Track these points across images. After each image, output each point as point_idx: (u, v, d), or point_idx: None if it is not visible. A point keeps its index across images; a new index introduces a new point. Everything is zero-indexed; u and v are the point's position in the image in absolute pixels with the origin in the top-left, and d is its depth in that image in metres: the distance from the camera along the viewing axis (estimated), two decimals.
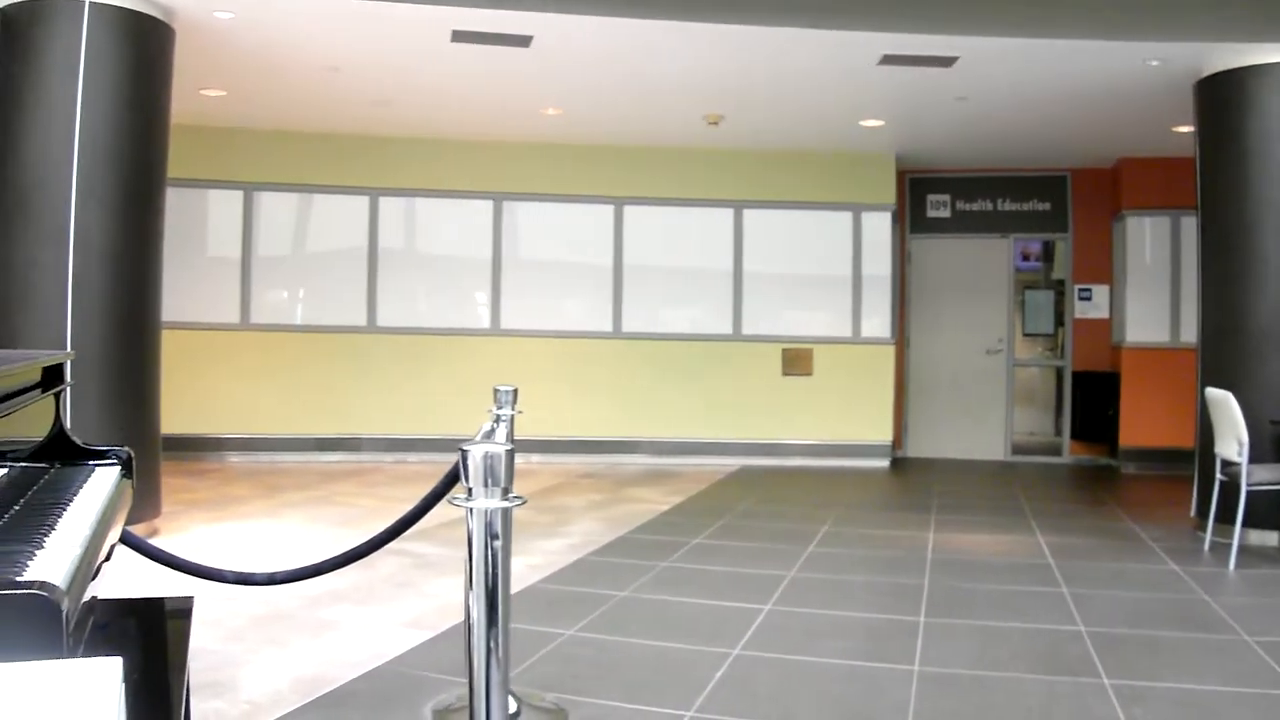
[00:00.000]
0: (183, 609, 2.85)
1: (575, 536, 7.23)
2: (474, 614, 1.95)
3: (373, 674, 4.29)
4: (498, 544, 1.95)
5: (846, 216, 11.58)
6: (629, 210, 11.47)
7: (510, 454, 1.93)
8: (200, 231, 10.97)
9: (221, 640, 4.61)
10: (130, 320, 6.94)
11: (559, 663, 4.47)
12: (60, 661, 1.04)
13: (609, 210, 11.46)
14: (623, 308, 11.45)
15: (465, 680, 4.11)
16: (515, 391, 3.98)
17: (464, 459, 1.93)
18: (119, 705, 0.92)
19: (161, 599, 2.97)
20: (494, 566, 1.95)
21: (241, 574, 3.93)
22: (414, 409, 10.99)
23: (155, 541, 3.82)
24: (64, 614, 1.57)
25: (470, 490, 1.93)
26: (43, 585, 1.60)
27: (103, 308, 6.77)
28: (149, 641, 2.63)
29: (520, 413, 3.97)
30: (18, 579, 1.78)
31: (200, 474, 9.67)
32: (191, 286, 10.50)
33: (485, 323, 11.32)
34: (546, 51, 8.04)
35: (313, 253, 11.30)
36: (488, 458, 1.92)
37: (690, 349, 11.47)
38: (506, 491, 1.95)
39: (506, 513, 1.95)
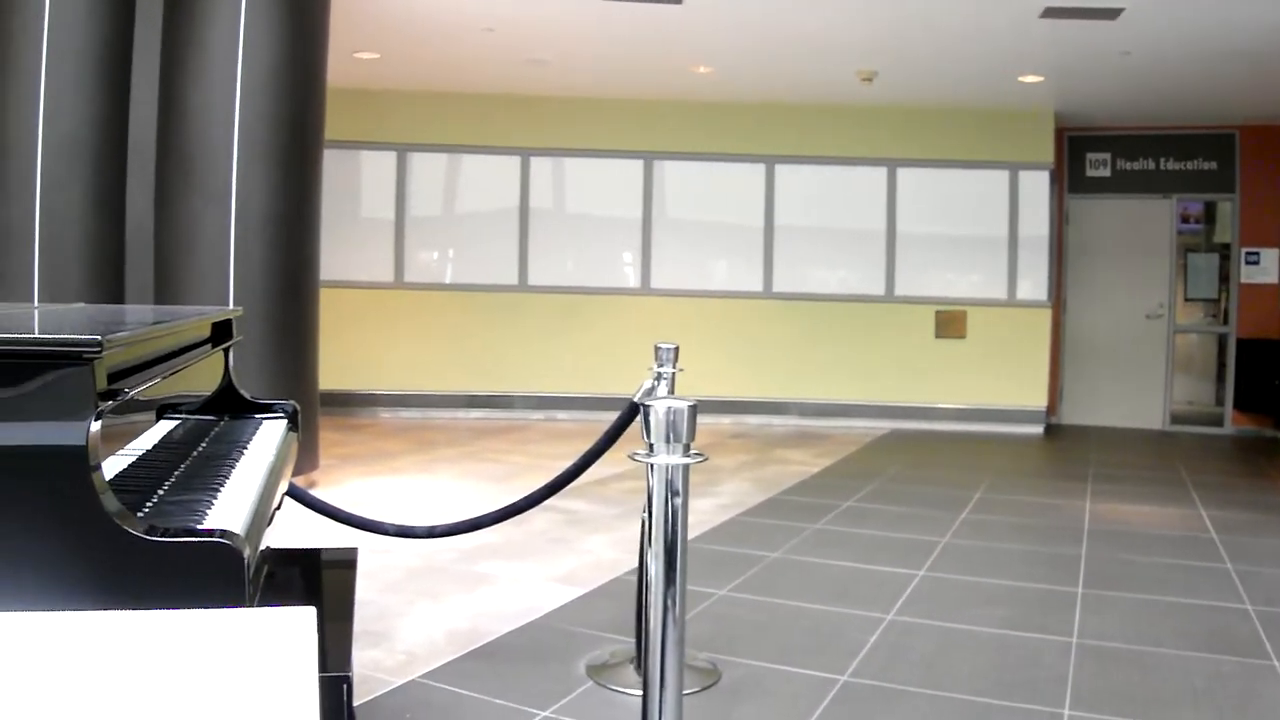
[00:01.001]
0: (347, 560, 2.89)
1: (725, 496, 7.21)
2: (652, 571, 1.92)
3: (526, 628, 4.33)
4: (678, 500, 1.92)
5: (1003, 175, 11.28)
6: (780, 169, 11.34)
7: (693, 409, 1.90)
8: (354, 192, 11.17)
9: (378, 591, 4.70)
10: (290, 279, 7.09)
11: (711, 622, 4.45)
12: (256, 609, 1.04)
13: (760, 169, 11.34)
14: (773, 268, 11.34)
15: (618, 637, 4.16)
16: (676, 349, 3.95)
17: (646, 414, 1.91)
18: (314, 653, 0.91)
19: (327, 550, 3.02)
20: (674, 523, 1.92)
21: (402, 527, 3.99)
22: (564, 367, 11.08)
23: (313, 494, 3.88)
24: (246, 562, 1.59)
25: (651, 446, 1.90)
26: (224, 533, 1.62)
27: (264, 267, 6.93)
28: (317, 591, 2.68)
29: (681, 370, 3.94)
30: (198, 526, 1.81)
31: (354, 429, 9.88)
32: (347, 246, 10.71)
33: (635, 282, 11.33)
34: (699, 9, 7.96)
35: (464, 213, 11.43)
36: (670, 413, 1.89)
37: (841, 310, 11.33)
38: (688, 448, 1.92)
39: (687, 469, 1.92)
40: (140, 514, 1.76)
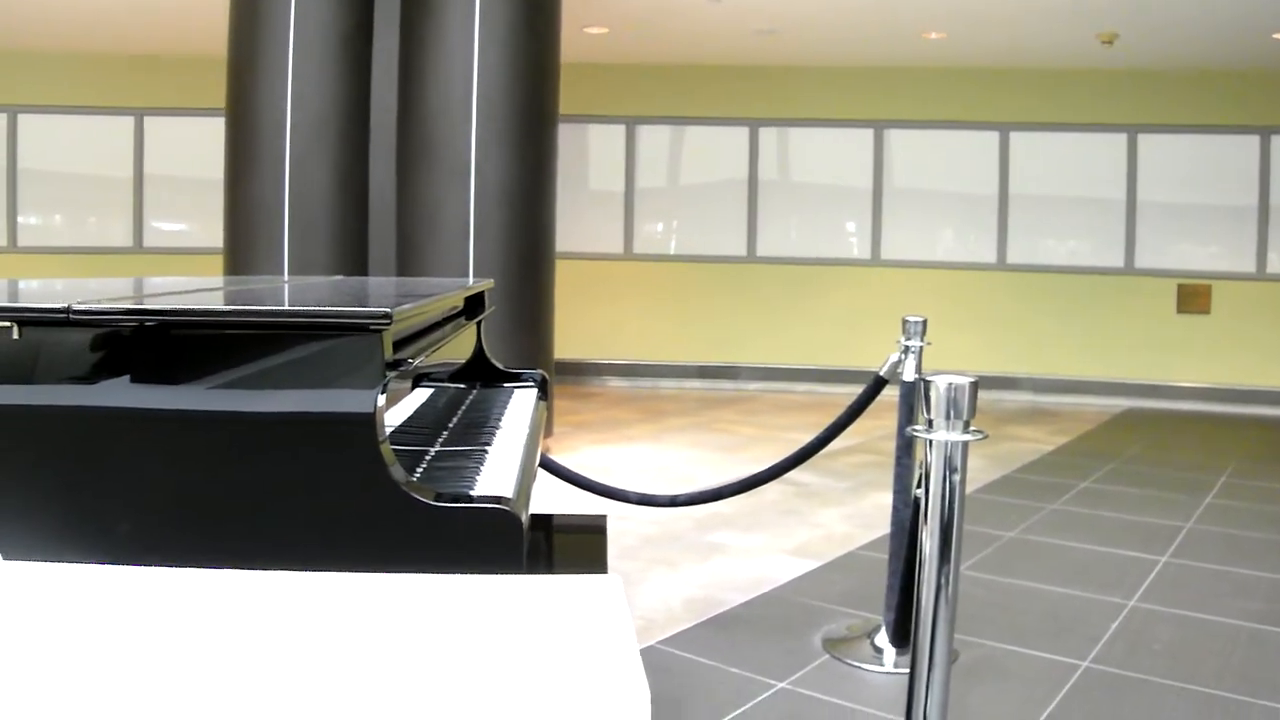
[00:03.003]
0: (598, 526, 2.95)
1: None
2: (926, 548, 1.90)
3: (761, 599, 4.34)
4: (955, 478, 1.90)
5: (1253, 140, 10.68)
6: (1014, 136, 11.01)
7: (974, 386, 1.87)
8: (583, 165, 11.34)
9: (616, 558, 4.77)
10: (527, 252, 7.26)
11: None
12: (565, 576, 1.07)
13: (993, 137, 11.03)
14: (1007, 238, 11.04)
15: (855, 611, 4.14)
16: (924, 323, 3.88)
17: (926, 390, 1.89)
18: (629, 621, 0.93)
19: (576, 516, 3.08)
20: (951, 501, 1.90)
21: (644, 495, 4.05)
22: (793, 339, 11.04)
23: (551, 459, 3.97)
24: (524, 527, 1.64)
25: (930, 422, 1.88)
26: (503, 499, 1.67)
27: (502, 240, 7.11)
28: (572, 557, 2.74)
29: (929, 344, 3.87)
30: (472, 493, 1.88)
31: (586, 397, 10.06)
32: (577, 218, 10.88)
33: (865, 253, 11.19)
34: None
35: (692, 184, 11.48)
36: (951, 389, 1.86)
37: (1077, 282, 10.95)
38: (968, 425, 1.90)
39: (965, 447, 1.90)
40: (413, 479, 1.83)
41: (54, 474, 1.75)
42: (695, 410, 9.54)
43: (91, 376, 1.76)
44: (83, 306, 1.76)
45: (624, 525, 5.28)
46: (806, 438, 4.11)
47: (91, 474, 1.73)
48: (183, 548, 1.71)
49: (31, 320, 1.77)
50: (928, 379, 1.90)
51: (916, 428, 1.93)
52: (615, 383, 11.10)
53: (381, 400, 1.65)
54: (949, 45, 10.03)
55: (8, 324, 1.77)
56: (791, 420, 8.94)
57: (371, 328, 1.67)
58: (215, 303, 2.04)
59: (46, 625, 1.05)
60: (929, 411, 1.90)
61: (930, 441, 1.92)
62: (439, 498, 1.65)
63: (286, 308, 1.83)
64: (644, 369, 11.16)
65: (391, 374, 1.71)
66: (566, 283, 9.33)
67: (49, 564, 1.31)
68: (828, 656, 3.72)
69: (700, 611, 4.12)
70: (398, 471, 1.64)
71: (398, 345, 1.97)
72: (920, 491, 2.00)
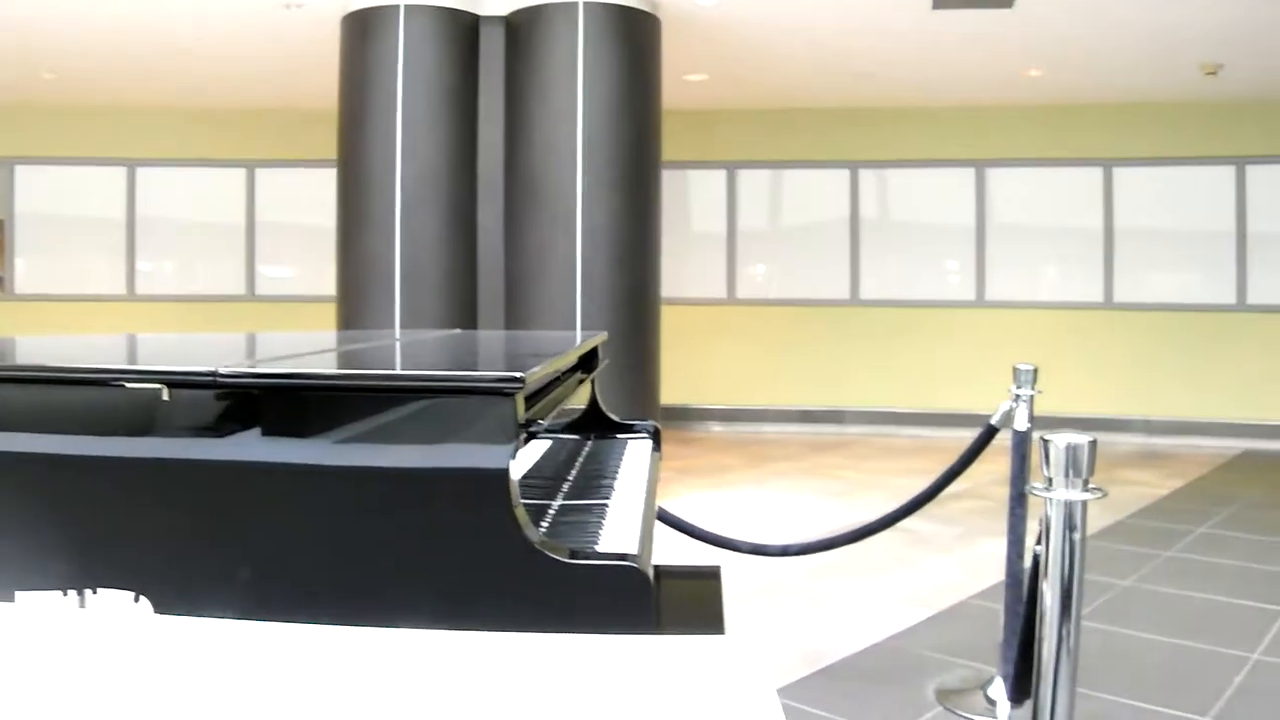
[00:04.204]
0: (712, 576, 2.96)
1: None
2: (1047, 602, 1.90)
3: (873, 649, 4.31)
4: (1075, 536, 1.90)
5: None
6: (1118, 172, 10.87)
7: (1093, 445, 1.88)
8: (684, 210, 11.40)
9: (726, 607, 4.76)
10: (633, 298, 7.33)
11: None
12: (703, 637, 1.09)
13: (1096, 173, 10.90)
14: (1113, 276, 10.87)
15: (968, 662, 4.09)
16: (1035, 371, 3.85)
17: (1045, 449, 1.89)
18: (772, 687, 0.95)
19: (691, 567, 3.10)
20: (1071, 558, 1.90)
21: (756, 545, 4.05)
22: (897, 382, 10.97)
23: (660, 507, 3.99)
24: (652, 583, 1.67)
25: (1050, 480, 1.89)
26: (630, 556, 1.70)
27: (608, 286, 7.19)
28: (685, 608, 2.75)
29: (1039, 393, 3.84)
30: (598, 548, 1.91)
31: (689, 442, 10.08)
32: (680, 264, 10.94)
33: (969, 294, 11.09)
34: (1030, 11, 7.74)
35: (793, 227, 11.48)
36: (1070, 448, 1.87)
37: (1187, 320, 10.74)
38: (1087, 483, 1.90)
39: (1085, 505, 1.89)
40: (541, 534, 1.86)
41: (198, 529, 1.82)
42: (800, 455, 9.51)
43: (232, 434, 1.83)
44: (228, 370, 1.83)
45: (732, 573, 5.27)
46: (913, 483, 4.10)
47: (231, 529, 1.80)
48: (314, 603, 1.77)
49: (180, 383, 1.84)
50: (1047, 438, 1.90)
51: (1036, 486, 1.94)
52: (717, 427, 11.10)
53: (515, 460, 1.69)
54: (1048, 81, 9.96)
55: (158, 385, 1.85)
56: (898, 465, 8.87)
57: (505, 391, 1.71)
58: (349, 365, 2.10)
59: (199, 681, 1.10)
60: (1048, 469, 1.90)
61: (1050, 500, 1.92)
62: (573, 555, 1.68)
63: (423, 373, 1.89)
64: (746, 413, 11.15)
65: (523, 434, 1.75)
66: (669, 328, 9.38)
67: (199, 619, 1.36)
68: (941, 708, 3.68)
69: (812, 661, 4.11)
70: (531, 531, 1.68)
71: (526, 402, 2.02)
72: (1040, 548, 2.00)
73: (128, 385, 1.90)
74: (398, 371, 1.84)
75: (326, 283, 10.35)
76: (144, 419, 1.90)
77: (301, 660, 1.15)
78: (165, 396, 1.85)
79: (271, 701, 1.02)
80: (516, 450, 1.70)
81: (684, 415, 10.96)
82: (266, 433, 1.81)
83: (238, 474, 1.80)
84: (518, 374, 1.71)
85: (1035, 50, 8.99)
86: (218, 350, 2.79)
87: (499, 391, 1.71)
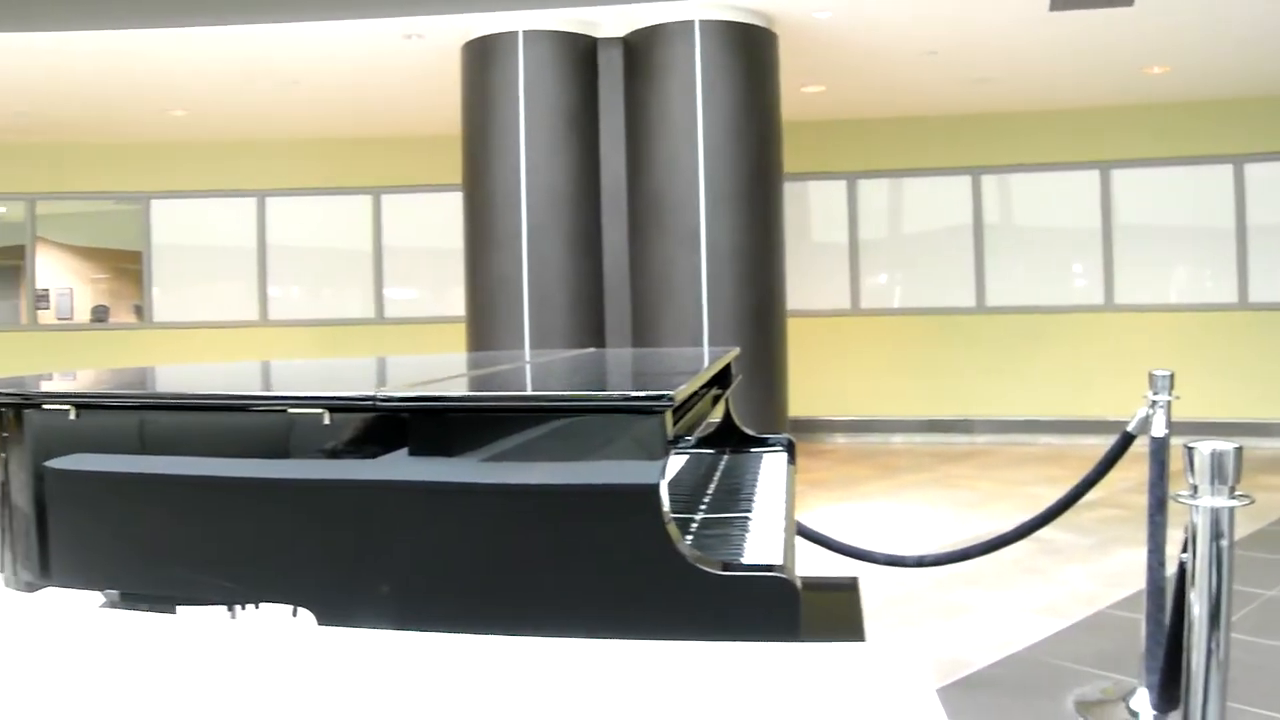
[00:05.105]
0: (850, 587, 2.98)
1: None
2: (1195, 613, 1.89)
3: (1009, 660, 4.27)
4: (1223, 543, 1.89)
5: None
6: (1249, 169, 10.58)
7: (1238, 451, 1.87)
8: (805, 221, 11.38)
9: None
10: (759, 312, 7.37)
11: None
12: (871, 643, 1.12)
13: (1226, 170, 10.62)
14: (1248, 276, 10.58)
15: (1107, 673, 4.03)
16: (1171, 376, 3.80)
17: (1190, 456, 1.89)
18: (934, 691, 0.98)
19: (828, 578, 3.12)
20: (1219, 567, 1.89)
21: (890, 555, 4.05)
22: (1026, 390, 10.80)
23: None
24: (800, 593, 1.70)
25: (1195, 487, 1.88)
26: (775, 567, 1.74)
27: (734, 300, 7.24)
28: (824, 619, 2.77)
29: (1177, 398, 3.78)
30: (743, 560, 1.95)
31: (817, 454, 10.05)
32: (802, 275, 10.91)
33: (1097, 299, 10.88)
34: (1152, 7, 7.60)
35: (915, 236, 11.39)
36: (1216, 455, 1.86)
37: None
38: (1233, 490, 1.89)
39: (1233, 512, 1.89)
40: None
41: (359, 544, 1.90)
42: (929, 465, 9.43)
43: (389, 455, 1.91)
44: (386, 395, 1.91)
45: (864, 584, 5.26)
46: (1045, 492, 4.07)
47: (390, 546, 1.88)
48: (470, 615, 1.84)
49: (340, 408, 1.93)
50: (1191, 445, 1.90)
51: (1181, 493, 1.93)
52: (844, 439, 11.05)
53: (665, 475, 1.75)
54: (1173, 79, 9.75)
55: (319, 410, 1.94)
56: (1028, 474, 8.74)
57: (655, 409, 1.77)
58: (500, 387, 2.18)
59: (362, 691, 1.15)
60: (1193, 477, 1.89)
61: (1196, 508, 1.91)
62: (725, 567, 1.73)
63: (575, 393, 1.95)
64: (873, 424, 11.08)
65: (672, 449, 1.81)
66: (793, 340, 9.38)
67: (360, 630, 1.41)
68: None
69: (948, 673, 4.09)
70: (682, 544, 1.73)
71: (672, 418, 2.07)
72: (1186, 556, 1.99)
73: (290, 411, 2.00)
74: (551, 392, 1.91)
75: (451, 304, 10.55)
76: (304, 442, 1.99)
77: (461, 669, 1.21)
78: (326, 421, 1.94)
79: (439, 708, 1.07)
80: (666, 466, 1.75)
81: (810, 427, 10.92)
82: (423, 453, 1.89)
83: (395, 493, 1.88)
84: (668, 391, 1.76)
85: (1158, 47, 8.81)
86: (358, 374, 2.90)
87: (649, 409, 1.77)
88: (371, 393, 1.92)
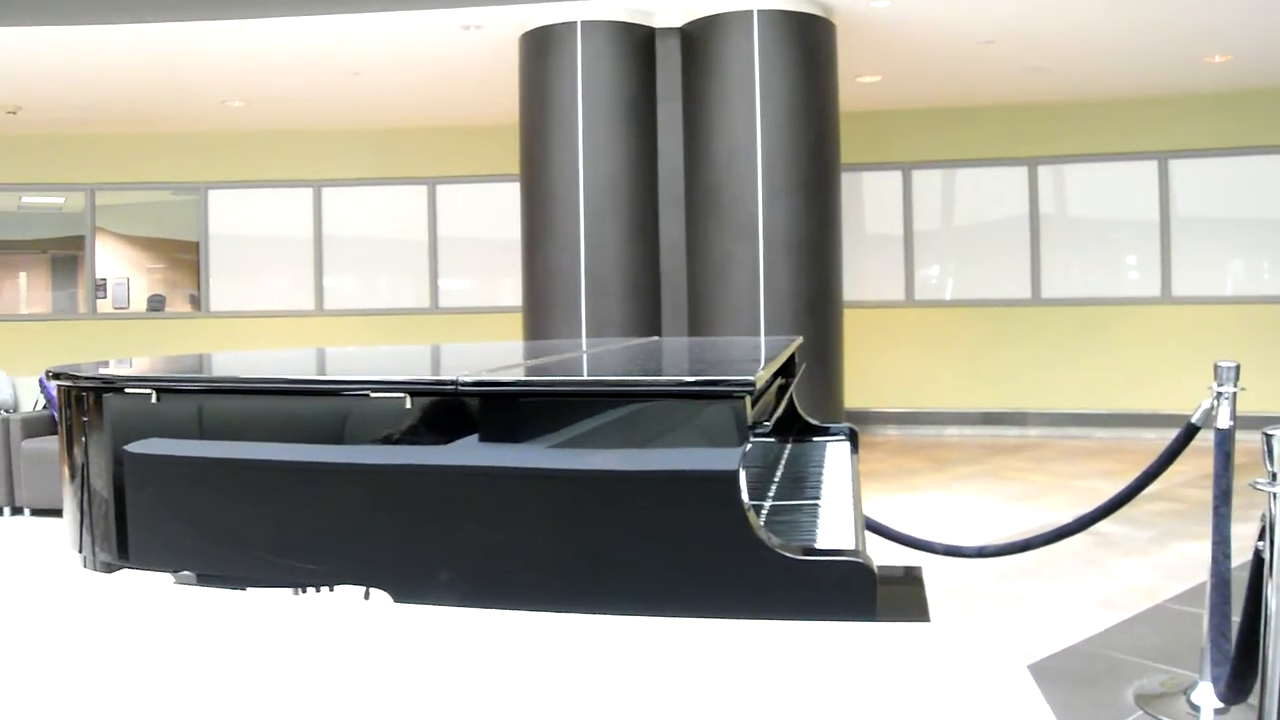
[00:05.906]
0: (914, 577, 2.99)
1: None
2: (1273, 604, 1.89)
3: (1067, 652, 4.26)
4: None
5: None
6: None
7: None
8: (859, 212, 11.34)
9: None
10: (816, 302, 7.37)
11: None
12: (959, 621, 1.14)
13: None
14: None
15: (1166, 666, 4.02)
16: (1237, 368, 3.77)
17: (1268, 442, 1.89)
18: (1024, 665, 1.00)
19: (892, 566, 3.13)
20: None
21: (949, 546, 4.06)
22: (1081, 382, 10.72)
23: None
24: (876, 577, 1.73)
25: (1274, 474, 1.88)
26: (852, 552, 1.77)
27: (791, 291, 7.24)
28: (890, 607, 2.79)
29: (1243, 389, 3.76)
30: (817, 545, 1.97)
31: (871, 446, 10.02)
32: (856, 266, 10.87)
33: (1154, 290, 10.77)
34: None
35: (969, 227, 11.32)
36: None
37: None
38: None
39: None
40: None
41: (441, 527, 1.94)
42: (983, 458, 9.39)
43: (470, 438, 1.95)
44: (470, 379, 1.95)
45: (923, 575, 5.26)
46: (1102, 485, 4.06)
47: (476, 525, 1.91)
48: (550, 595, 1.87)
49: (422, 392, 1.97)
50: (1270, 432, 1.89)
51: (1259, 480, 1.93)
52: (897, 431, 11.02)
53: (743, 460, 1.77)
54: (1234, 68, 9.63)
55: (401, 395, 1.98)
56: (1083, 467, 8.69)
57: (736, 394, 1.79)
58: (580, 371, 2.21)
59: (440, 668, 1.17)
60: (1272, 464, 1.89)
61: (1273, 494, 1.91)
62: (806, 551, 1.75)
63: (658, 378, 1.98)
64: (926, 416, 11.04)
65: (752, 434, 1.83)
66: (846, 331, 9.36)
67: (438, 608, 1.43)
68: (1141, 713, 3.63)
69: None
70: (760, 529, 1.76)
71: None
72: (1263, 544, 1.98)
73: (372, 395, 2.03)
74: (636, 377, 1.94)
75: (506, 294, 10.61)
76: (384, 426, 2.03)
77: (545, 646, 1.23)
78: (407, 405, 1.98)
79: (522, 687, 1.09)
80: (745, 452, 1.78)
81: (863, 419, 10.89)
82: (504, 437, 1.92)
83: (478, 477, 1.91)
84: (749, 377, 1.79)
85: (1217, 36, 8.71)
86: (421, 362, 2.93)
87: (731, 394, 1.79)
88: (454, 378, 1.95)
